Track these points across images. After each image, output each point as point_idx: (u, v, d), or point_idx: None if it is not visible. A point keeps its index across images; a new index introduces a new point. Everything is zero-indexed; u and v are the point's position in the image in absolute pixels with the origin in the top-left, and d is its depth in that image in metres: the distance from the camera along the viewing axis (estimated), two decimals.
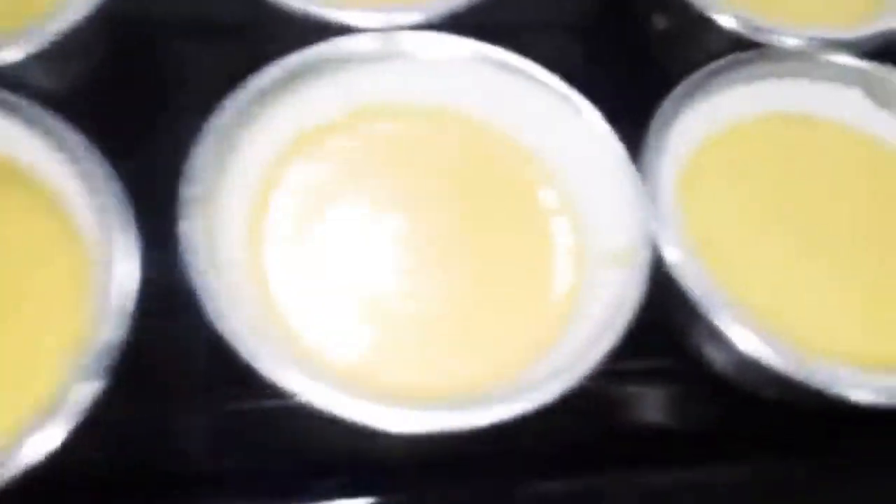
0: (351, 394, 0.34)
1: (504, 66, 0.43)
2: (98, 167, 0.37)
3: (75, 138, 0.38)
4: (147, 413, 0.40)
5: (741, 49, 0.47)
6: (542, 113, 0.43)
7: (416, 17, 0.45)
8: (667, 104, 0.43)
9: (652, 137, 0.42)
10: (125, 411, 0.36)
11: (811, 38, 0.48)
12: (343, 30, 0.44)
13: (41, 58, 0.41)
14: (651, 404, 0.47)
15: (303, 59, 0.42)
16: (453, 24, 0.46)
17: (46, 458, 0.31)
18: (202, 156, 0.38)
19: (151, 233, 0.37)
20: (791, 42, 0.47)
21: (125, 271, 0.35)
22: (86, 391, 0.33)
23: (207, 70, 0.48)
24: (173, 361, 0.41)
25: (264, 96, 0.41)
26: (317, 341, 0.38)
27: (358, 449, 0.38)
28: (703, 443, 0.44)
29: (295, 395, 0.34)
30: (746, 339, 0.37)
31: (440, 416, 0.34)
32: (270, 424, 0.39)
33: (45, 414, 0.32)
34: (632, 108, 0.44)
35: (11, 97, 0.39)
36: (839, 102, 0.47)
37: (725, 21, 0.48)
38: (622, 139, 0.42)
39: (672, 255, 0.39)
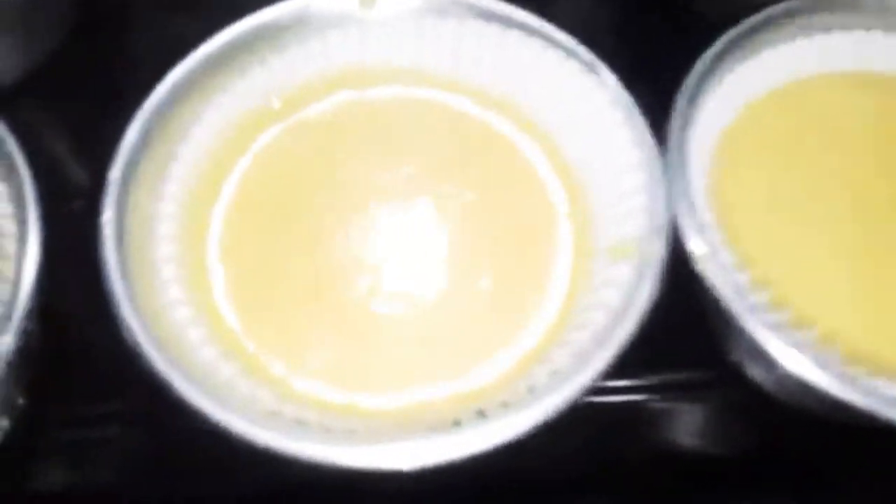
0: (294, 427, 0.29)
1: (499, 19, 0.36)
2: (12, 152, 0.32)
3: None
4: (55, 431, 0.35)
5: None
6: (544, 73, 0.36)
7: None
8: (699, 66, 0.36)
9: (681, 105, 0.35)
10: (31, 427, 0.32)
11: None
12: None
13: None
14: (688, 422, 0.40)
15: (258, 23, 0.36)
16: None
17: None
18: (136, 134, 0.33)
19: (73, 225, 0.32)
20: None
21: (28, 269, 0.30)
22: None
23: (170, 42, 0.43)
24: (85, 372, 0.36)
25: (216, 67, 0.35)
26: (267, 356, 0.33)
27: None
28: (745, 467, 0.37)
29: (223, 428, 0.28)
30: (789, 354, 0.30)
31: (411, 446, 0.28)
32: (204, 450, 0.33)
33: None
34: (663, 72, 0.36)
35: None
36: None
37: None
38: (650, 108, 0.35)
39: (698, 248, 0.32)
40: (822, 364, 0.29)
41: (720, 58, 0.36)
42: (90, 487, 0.36)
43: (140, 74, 0.41)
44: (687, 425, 0.39)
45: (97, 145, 0.35)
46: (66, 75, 0.42)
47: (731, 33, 0.37)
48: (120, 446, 0.37)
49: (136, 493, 0.36)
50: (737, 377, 0.36)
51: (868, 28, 0.39)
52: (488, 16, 0.36)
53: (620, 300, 0.30)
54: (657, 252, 0.31)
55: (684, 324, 0.36)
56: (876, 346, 0.31)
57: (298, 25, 0.36)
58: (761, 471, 0.37)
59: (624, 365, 0.37)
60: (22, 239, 0.31)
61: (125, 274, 0.30)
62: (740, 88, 0.37)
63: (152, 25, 0.46)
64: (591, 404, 0.37)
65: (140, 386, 0.31)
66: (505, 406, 0.29)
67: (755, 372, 0.34)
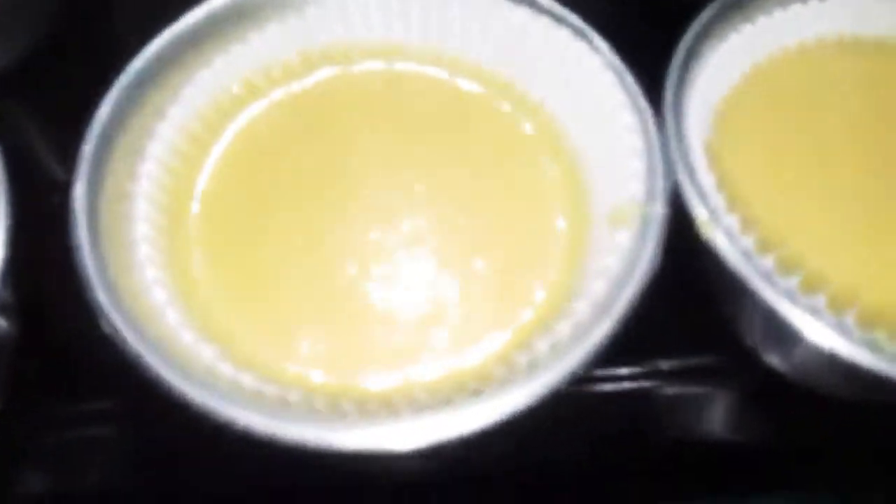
0: (281, 410, 0.27)
1: None
2: None
3: None
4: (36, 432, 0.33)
5: None
6: (533, 42, 0.34)
7: None
8: (693, 30, 0.34)
9: (675, 69, 0.33)
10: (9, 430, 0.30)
11: None
12: None
13: None
14: (699, 409, 0.38)
15: None
16: None
17: None
18: (110, 108, 0.31)
19: (54, 221, 0.30)
20: None
21: None
22: None
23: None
24: (68, 370, 0.34)
25: (193, 44, 0.34)
26: (251, 339, 0.31)
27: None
28: (763, 461, 0.35)
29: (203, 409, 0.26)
30: (803, 319, 0.28)
31: (404, 427, 0.26)
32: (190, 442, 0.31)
33: None
34: (654, 46, 0.35)
35: None
36: None
37: None
38: (644, 83, 0.34)
39: (701, 213, 0.30)
40: (839, 327, 0.28)
41: (714, 23, 0.35)
42: (72, 490, 0.34)
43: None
44: (698, 412, 0.37)
45: (77, 141, 0.33)
46: (45, 71, 0.41)
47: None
48: (104, 446, 0.35)
49: (120, 494, 0.34)
50: (749, 361, 0.35)
51: None
52: None
53: (621, 266, 0.29)
54: (657, 215, 0.29)
55: (695, 309, 0.35)
56: (890, 304, 0.29)
57: (277, 1, 0.35)
58: (775, 458, 0.35)
59: (633, 351, 0.36)
60: None
61: (97, 252, 0.29)
62: (736, 55, 0.36)
63: (136, 17, 0.44)
64: (601, 392, 0.36)
65: (124, 383, 0.29)
66: (501, 383, 0.28)
67: (767, 346, 0.32)
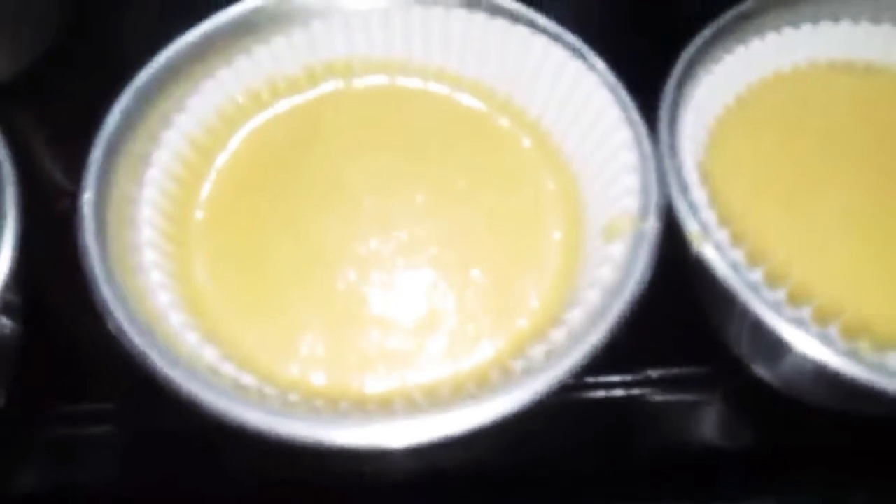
0: (280, 407, 0.28)
1: (484, 7, 0.36)
2: None
3: None
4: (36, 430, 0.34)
5: None
6: (531, 60, 0.35)
7: None
8: (688, 52, 0.35)
9: (671, 90, 0.34)
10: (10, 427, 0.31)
11: None
12: None
13: None
14: (688, 417, 0.38)
15: (240, 12, 0.35)
16: None
17: None
18: (118, 116, 0.33)
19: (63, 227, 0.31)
20: None
21: (2, 262, 0.29)
22: None
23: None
24: (71, 371, 0.35)
25: (200, 55, 0.35)
26: (253, 341, 0.31)
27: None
28: (750, 466, 0.36)
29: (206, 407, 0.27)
30: (790, 331, 0.29)
31: (397, 426, 0.27)
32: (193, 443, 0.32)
33: None
34: (649, 59, 0.36)
35: None
36: None
37: None
38: (639, 96, 0.35)
39: (693, 227, 0.31)
40: (823, 337, 0.28)
41: (709, 45, 0.36)
42: (75, 488, 0.35)
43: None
44: (687, 419, 0.38)
45: (85, 150, 0.34)
46: (54, 81, 0.42)
47: (720, 21, 0.37)
48: (106, 444, 0.35)
49: (122, 492, 0.35)
50: (736, 370, 0.35)
51: (855, 18, 0.39)
52: (474, 4, 0.36)
53: (615, 277, 0.30)
54: (650, 228, 0.30)
55: (685, 320, 0.36)
56: (874, 316, 0.30)
57: (282, 16, 0.36)
58: (761, 463, 0.36)
59: (624, 359, 0.36)
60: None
61: (104, 254, 0.29)
62: (730, 77, 0.37)
63: (141, 28, 0.45)
64: (593, 399, 0.36)
65: (127, 383, 0.30)
66: (497, 387, 0.28)
67: (754, 356, 0.33)
